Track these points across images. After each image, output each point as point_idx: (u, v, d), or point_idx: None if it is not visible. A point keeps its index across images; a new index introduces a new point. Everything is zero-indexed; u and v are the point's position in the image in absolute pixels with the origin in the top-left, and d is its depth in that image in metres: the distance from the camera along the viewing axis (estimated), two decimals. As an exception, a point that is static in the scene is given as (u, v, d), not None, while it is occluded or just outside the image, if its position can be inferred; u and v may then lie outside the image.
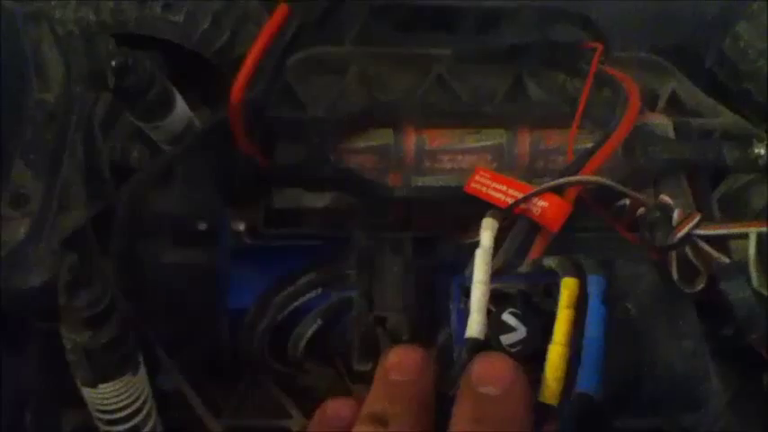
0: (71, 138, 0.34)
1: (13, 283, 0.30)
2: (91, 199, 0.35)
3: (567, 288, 0.34)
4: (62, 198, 0.33)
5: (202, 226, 0.38)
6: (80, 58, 0.35)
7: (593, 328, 0.33)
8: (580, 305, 0.34)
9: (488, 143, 0.44)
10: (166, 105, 0.40)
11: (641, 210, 0.37)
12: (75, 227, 0.34)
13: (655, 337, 0.37)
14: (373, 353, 0.37)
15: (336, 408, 0.32)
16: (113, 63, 0.35)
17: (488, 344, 0.33)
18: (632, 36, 0.53)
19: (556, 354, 0.32)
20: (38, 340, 0.39)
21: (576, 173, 0.37)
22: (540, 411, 0.32)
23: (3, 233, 0.30)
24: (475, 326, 0.32)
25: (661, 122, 0.46)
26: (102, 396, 0.33)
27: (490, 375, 0.30)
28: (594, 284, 0.34)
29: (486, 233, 0.34)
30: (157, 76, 0.38)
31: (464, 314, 0.34)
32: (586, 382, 0.32)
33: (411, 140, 0.44)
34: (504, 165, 0.44)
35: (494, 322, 0.34)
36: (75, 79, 0.35)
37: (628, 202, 0.43)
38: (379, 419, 0.30)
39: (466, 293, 0.35)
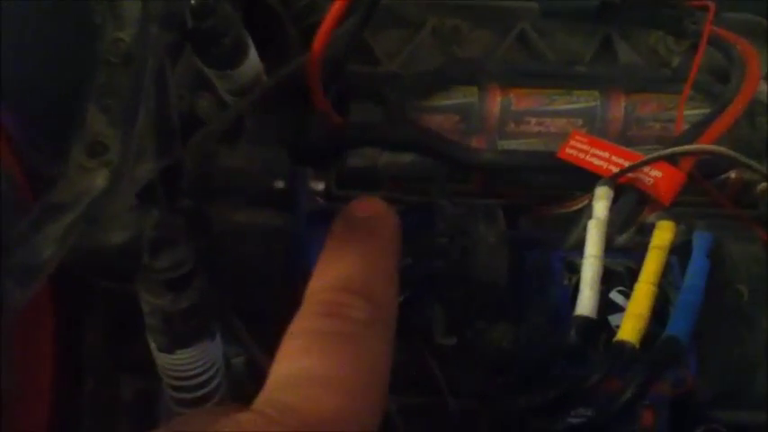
0: (147, 82, 0.31)
1: (93, 240, 0.27)
2: (159, 151, 0.33)
3: (660, 229, 0.32)
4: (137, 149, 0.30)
5: (279, 184, 0.35)
6: (157, -4, 0.32)
7: (692, 278, 0.31)
8: (678, 252, 0.32)
9: (580, 106, 0.41)
10: (241, 53, 0.37)
11: (764, 185, 0.34)
12: (147, 180, 0.31)
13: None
14: (460, 328, 0.34)
15: None
16: (193, 2, 0.32)
17: (598, 323, 0.30)
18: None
19: (640, 291, 0.31)
20: (99, 304, 0.37)
21: (691, 142, 0.34)
22: (620, 350, 0.29)
23: (80, 184, 0.27)
24: (587, 303, 0.30)
25: (764, 91, 0.42)
26: (178, 362, 0.30)
27: (363, 205, 0.30)
28: (700, 239, 0.33)
29: (601, 203, 0.31)
30: (235, 20, 0.35)
31: (569, 291, 0.32)
32: (676, 326, 0.30)
33: (495, 100, 0.41)
34: (594, 130, 0.41)
35: (601, 301, 0.31)
36: (152, 19, 0.32)
37: (732, 176, 0.40)
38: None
39: (570, 269, 0.32)
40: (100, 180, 0.28)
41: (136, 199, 0.30)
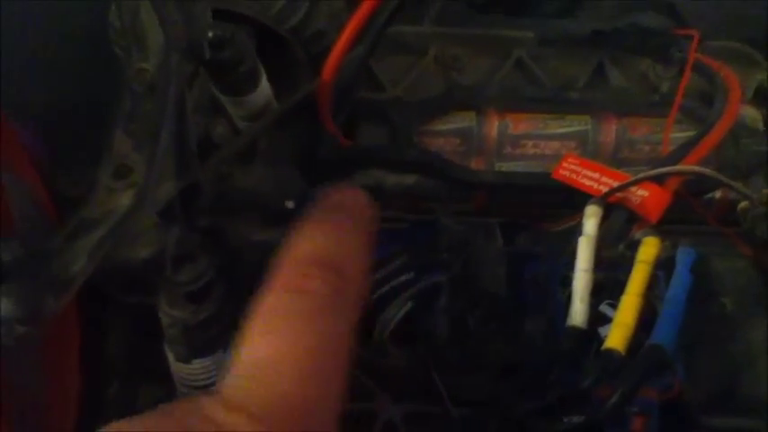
0: (170, 109, 0.33)
1: (119, 256, 0.29)
2: (179, 173, 0.35)
3: (646, 245, 0.34)
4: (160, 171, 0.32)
5: (290, 204, 0.37)
6: (177, 29, 0.35)
7: (675, 290, 0.33)
8: (664, 267, 0.34)
9: (573, 129, 0.44)
10: (254, 80, 0.39)
11: (744, 203, 0.36)
12: (167, 200, 0.33)
13: (753, 336, 0.36)
14: (461, 339, 0.36)
15: None
16: (211, 35, 0.35)
17: (589, 333, 0.32)
18: (710, 27, 0.52)
19: (626, 302, 0.32)
20: (121, 315, 0.39)
21: (677, 163, 0.36)
22: (608, 358, 0.31)
23: (108, 203, 0.29)
24: (578, 315, 0.32)
25: (750, 114, 0.45)
26: (195, 372, 0.32)
27: (335, 190, 0.31)
28: (684, 254, 0.34)
29: (591, 220, 0.34)
30: (249, 50, 0.37)
31: (562, 304, 0.34)
32: (660, 335, 0.31)
33: (493, 124, 0.43)
34: (587, 152, 0.43)
35: (592, 313, 0.33)
36: (173, 51, 0.34)
37: (717, 195, 0.42)
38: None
39: (563, 282, 0.34)
40: (126, 199, 0.30)
41: (158, 217, 0.32)
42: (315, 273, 0.26)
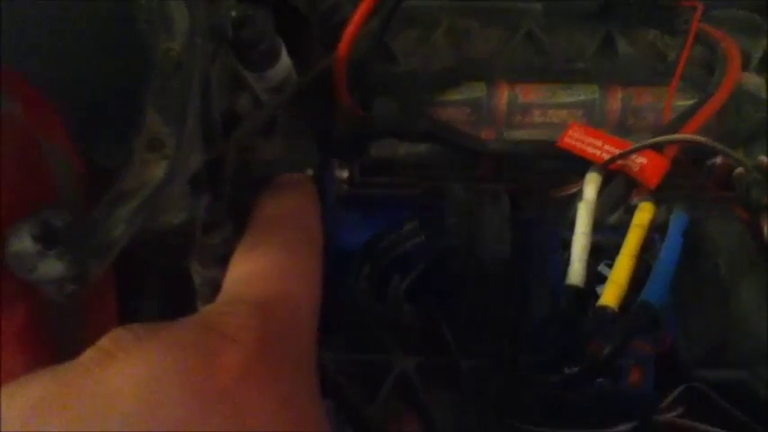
0: (195, 86, 0.36)
1: (155, 221, 0.32)
2: (205, 145, 0.38)
3: (641, 210, 0.36)
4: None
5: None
6: (202, 9, 0.37)
7: (667, 251, 0.35)
8: (662, 231, 0.36)
9: (579, 98, 0.45)
10: (274, 56, 0.41)
11: (739, 170, 0.38)
12: (196, 170, 0.36)
13: (744, 294, 0.38)
14: (467, 299, 0.39)
15: None
16: (233, 14, 0.37)
17: (586, 291, 0.35)
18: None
19: (620, 263, 0.35)
20: (154, 279, 0.42)
21: (675, 131, 0.38)
22: (601, 314, 0.33)
23: (143, 174, 0.32)
24: (575, 274, 0.34)
25: (754, 82, 0.46)
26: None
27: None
28: (677, 218, 0.36)
29: (590, 186, 0.36)
30: (269, 27, 0.40)
31: (561, 265, 0.36)
32: (650, 293, 0.34)
33: (503, 94, 0.45)
34: (593, 121, 0.45)
35: (590, 273, 0.35)
36: (198, 31, 0.36)
37: (718, 161, 0.43)
38: None
39: (564, 245, 0.37)
40: (159, 170, 0.33)
41: (188, 186, 0.35)
42: (287, 224, 0.33)
